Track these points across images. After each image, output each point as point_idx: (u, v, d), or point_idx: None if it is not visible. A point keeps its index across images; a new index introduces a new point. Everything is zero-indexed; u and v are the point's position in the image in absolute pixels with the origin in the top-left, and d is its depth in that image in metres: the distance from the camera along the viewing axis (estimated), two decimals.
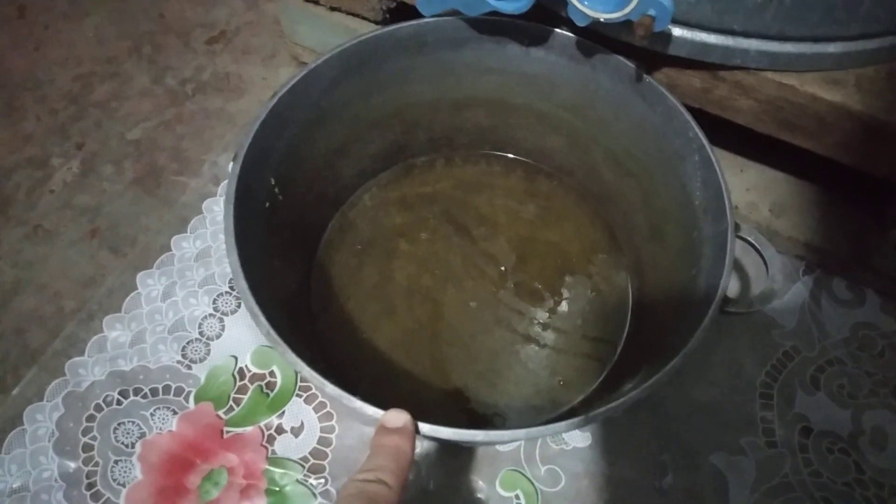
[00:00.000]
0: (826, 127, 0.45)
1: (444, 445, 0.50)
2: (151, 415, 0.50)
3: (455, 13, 0.48)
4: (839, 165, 0.49)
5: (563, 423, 0.35)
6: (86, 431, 0.50)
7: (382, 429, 0.34)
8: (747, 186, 0.57)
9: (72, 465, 0.49)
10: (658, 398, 0.51)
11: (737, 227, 0.41)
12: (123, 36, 0.71)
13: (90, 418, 0.50)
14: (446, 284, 0.54)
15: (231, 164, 0.42)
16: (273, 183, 0.47)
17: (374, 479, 0.31)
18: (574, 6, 0.41)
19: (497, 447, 0.49)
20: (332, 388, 0.35)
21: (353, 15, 0.59)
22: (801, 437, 0.50)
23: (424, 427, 0.34)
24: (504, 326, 0.52)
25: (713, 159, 0.43)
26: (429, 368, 0.50)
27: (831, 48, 0.43)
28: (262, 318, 0.37)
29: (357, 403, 0.35)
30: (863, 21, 0.41)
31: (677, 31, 0.44)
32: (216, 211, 0.59)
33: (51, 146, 0.63)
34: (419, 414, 0.35)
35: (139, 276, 0.56)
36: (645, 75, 0.46)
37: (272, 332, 0.37)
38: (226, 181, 0.59)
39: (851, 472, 0.49)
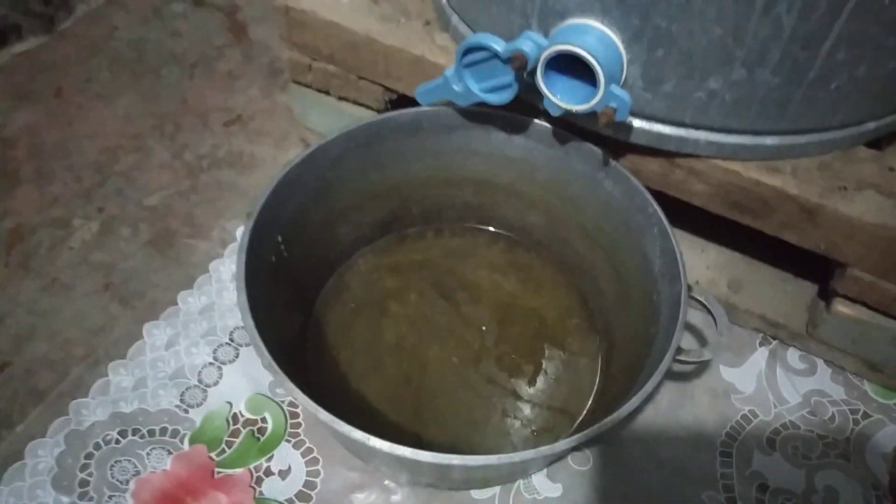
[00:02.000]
0: (769, 208, 0.52)
1: (421, 493, 0.52)
2: (147, 454, 0.53)
3: (448, 103, 0.55)
4: (788, 244, 0.55)
5: (531, 451, 0.39)
6: (83, 468, 0.52)
7: None
8: (707, 265, 0.63)
9: (66, 499, 0.51)
10: (627, 455, 0.54)
11: (689, 289, 0.47)
12: (149, 115, 0.78)
13: (89, 455, 0.53)
14: (431, 343, 0.58)
15: (242, 229, 0.48)
16: (280, 241, 0.52)
17: None
18: (549, 99, 0.48)
19: (472, 494, 0.52)
20: (324, 415, 0.39)
21: (358, 104, 0.67)
22: (758, 493, 0.53)
23: (406, 451, 0.38)
24: (483, 383, 0.56)
25: (669, 231, 0.49)
26: (412, 420, 0.54)
27: (769, 140, 0.50)
28: (265, 350, 0.42)
29: (344, 427, 0.39)
30: (792, 119, 0.49)
31: (637, 123, 0.51)
32: (221, 271, 0.64)
33: (74, 209, 0.69)
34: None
35: (146, 326, 0.60)
36: (611, 160, 0.53)
37: (273, 363, 0.41)
38: (232, 244, 0.66)
39: None
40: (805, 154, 0.52)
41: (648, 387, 0.42)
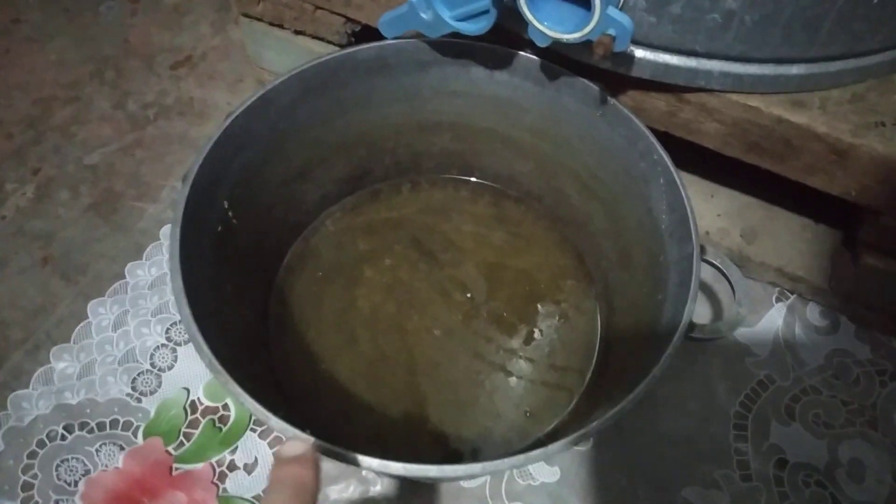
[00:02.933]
0: (793, 150, 0.45)
1: (404, 482, 0.47)
2: (97, 450, 0.48)
3: (417, 35, 0.47)
4: (810, 189, 0.48)
5: (521, 457, 0.33)
6: (26, 469, 0.47)
7: (280, 460, 0.30)
8: (718, 212, 0.56)
9: None
10: (629, 430, 0.49)
11: (703, 251, 0.40)
12: (87, 60, 0.69)
13: (32, 455, 0.47)
14: (411, 312, 0.52)
15: (181, 186, 0.41)
16: (226, 206, 0.45)
17: None
18: (534, 27, 0.40)
19: (461, 483, 0.47)
20: (276, 422, 0.33)
21: (318, 39, 0.58)
22: (776, 469, 0.48)
23: (374, 463, 0.32)
24: (470, 355, 0.50)
25: (678, 182, 0.42)
26: (392, 401, 0.48)
27: (794, 70, 0.43)
28: (205, 347, 0.35)
29: (303, 437, 0.33)
30: (823, 43, 0.41)
31: (640, 53, 0.43)
32: None
33: (5, 171, 0.61)
34: (382, 448, 0.33)
35: (90, 304, 0.54)
36: (610, 98, 0.45)
37: (214, 360, 0.35)
38: None
39: None
40: (836, 84, 0.44)
41: (657, 371, 0.35)
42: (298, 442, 0.31)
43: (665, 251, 0.43)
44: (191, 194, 0.41)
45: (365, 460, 0.32)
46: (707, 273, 0.54)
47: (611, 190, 0.49)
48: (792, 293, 0.55)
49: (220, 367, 0.35)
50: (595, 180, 0.50)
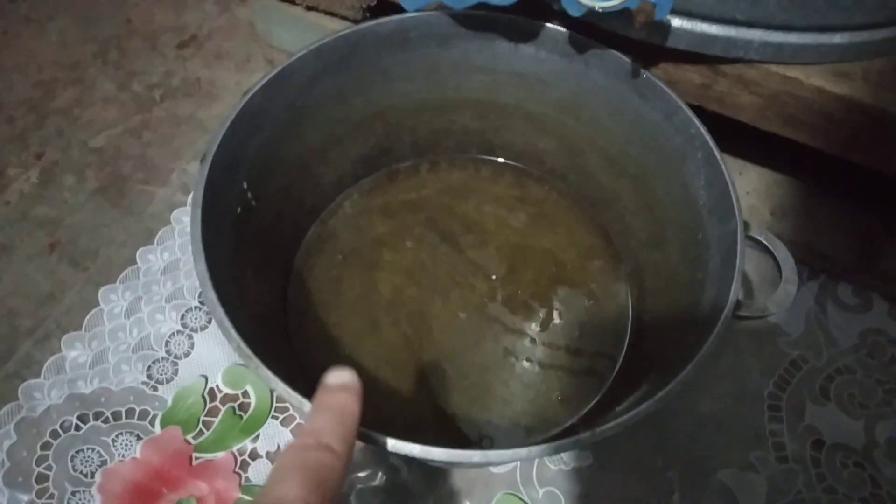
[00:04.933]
0: (833, 122, 0.43)
1: (433, 467, 0.46)
2: (113, 441, 0.46)
3: (440, 7, 0.45)
4: (842, 165, 0.46)
5: (567, 441, 0.32)
6: (40, 461, 0.45)
7: (324, 387, 0.30)
8: (747, 189, 0.54)
9: (24, 497, 0.44)
10: (663, 412, 0.48)
11: (746, 227, 0.39)
12: (88, 40, 0.67)
13: (45, 446, 0.46)
14: (433, 296, 0.50)
15: (200, 166, 0.39)
16: (245, 187, 0.43)
17: (315, 445, 0.26)
18: None
19: (491, 469, 0.46)
20: (310, 406, 0.32)
21: (332, 14, 0.56)
22: (812, 450, 0.47)
23: (416, 448, 0.31)
24: (495, 340, 0.48)
25: (718, 156, 0.40)
26: (415, 386, 0.47)
27: (837, 38, 0.41)
28: (233, 331, 0.34)
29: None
30: (870, 9, 0.39)
31: (676, 22, 0.41)
32: (185, 222, 0.55)
33: (7, 156, 0.59)
34: (406, 435, 0.31)
35: (101, 291, 0.52)
36: (642, 70, 0.44)
37: (243, 345, 0.33)
38: None
39: (868, 486, 0.46)
40: (880, 53, 0.43)
41: (706, 351, 0.34)
42: (343, 370, 0.30)
43: (704, 228, 0.41)
44: (210, 175, 0.39)
45: (405, 446, 0.31)
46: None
47: (642, 166, 0.47)
48: (823, 272, 0.54)
49: (249, 352, 0.33)
50: (625, 157, 0.48)
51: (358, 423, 0.28)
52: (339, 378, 0.30)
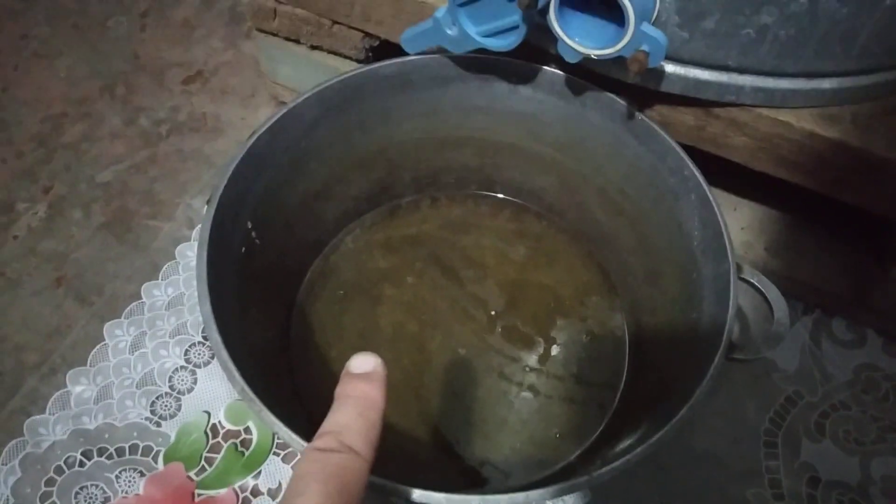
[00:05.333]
0: (824, 164, 0.44)
1: None
2: (117, 477, 0.46)
3: (440, 51, 0.46)
4: (834, 202, 0.47)
5: (565, 485, 0.32)
6: (44, 497, 0.46)
7: (347, 375, 0.28)
8: (741, 225, 0.55)
9: None
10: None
11: (739, 269, 0.39)
12: (96, 76, 0.68)
13: (49, 482, 0.46)
14: (434, 331, 0.51)
15: (205, 206, 0.40)
16: (250, 227, 0.44)
17: (337, 447, 0.24)
18: (564, 42, 0.40)
19: None
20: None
21: (335, 54, 0.58)
22: (808, 487, 0.47)
23: (416, 493, 0.31)
24: (496, 375, 0.49)
25: (711, 198, 0.41)
26: (417, 422, 0.47)
27: (826, 84, 0.42)
28: (237, 374, 0.34)
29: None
30: (857, 57, 0.40)
31: (670, 68, 0.43)
32: (190, 256, 0.56)
33: (16, 190, 0.60)
34: (407, 472, 0.32)
35: (107, 326, 0.52)
36: (637, 113, 0.45)
37: (247, 388, 0.34)
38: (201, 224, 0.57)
39: None
40: (868, 97, 0.44)
41: (699, 394, 0.35)
42: (369, 356, 0.29)
43: (698, 269, 0.42)
44: (216, 216, 0.40)
45: (406, 490, 0.32)
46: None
47: (638, 205, 0.48)
48: (817, 307, 0.55)
49: (253, 396, 0.34)
50: (621, 195, 0.49)
51: (382, 414, 0.27)
52: (363, 365, 0.28)
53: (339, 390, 0.27)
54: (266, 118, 0.44)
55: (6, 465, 0.47)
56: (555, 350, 0.50)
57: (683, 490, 0.47)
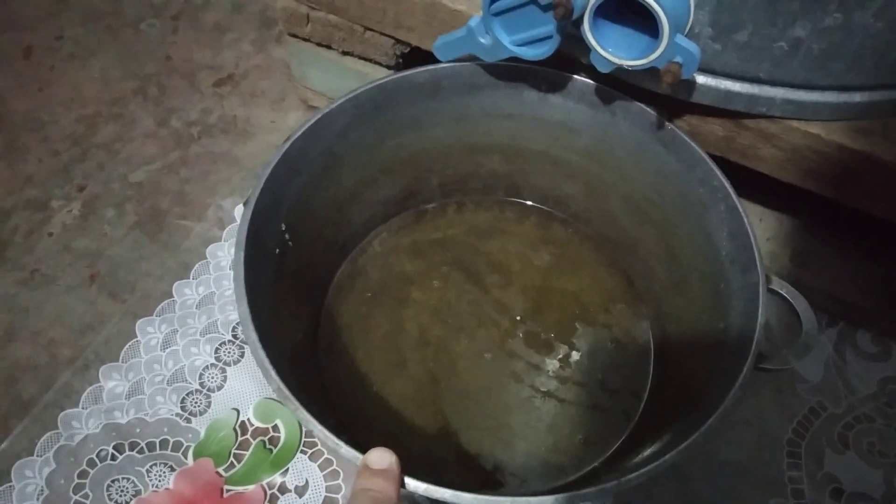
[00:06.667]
0: (853, 177, 0.44)
1: None
2: (147, 471, 0.47)
3: (472, 58, 0.47)
4: (862, 214, 0.47)
5: (592, 490, 0.33)
6: (77, 489, 0.47)
7: (365, 470, 0.31)
8: (767, 236, 0.55)
9: None
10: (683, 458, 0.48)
11: (767, 280, 0.40)
12: (129, 77, 0.70)
13: (82, 474, 0.47)
14: (459, 335, 0.52)
15: (242, 209, 0.41)
16: (283, 229, 0.45)
17: None
18: (598, 53, 0.40)
19: None
20: (346, 450, 0.33)
21: (366, 60, 0.59)
22: (832, 499, 0.47)
23: (447, 493, 0.32)
24: (520, 380, 0.50)
25: (740, 209, 0.42)
26: (441, 425, 0.48)
27: (858, 97, 0.42)
28: (273, 374, 0.35)
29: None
30: (891, 70, 0.41)
31: (701, 79, 0.43)
32: (220, 256, 0.57)
33: (51, 188, 0.62)
34: (431, 475, 0.32)
35: (139, 323, 0.54)
36: (666, 122, 0.45)
37: (283, 387, 0.35)
38: (231, 225, 0.58)
39: None
40: None
41: (728, 403, 0.35)
42: (385, 453, 0.31)
43: (727, 279, 0.42)
44: (252, 219, 0.41)
45: (436, 491, 0.32)
46: None
47: (665, 214, 0.49)
48: (842, 319, 0.55)
49: (289, 394, 0.35)
50: (648, 204, 0.50)
51: None
52: (380, 462, 0.31)
53: (358, 485, 0.30)
54: (300, 123, 0.45)
55: (41, 456, 0.48)
56: (579, 356, 0.51)
57: (705, 499, 0.47)
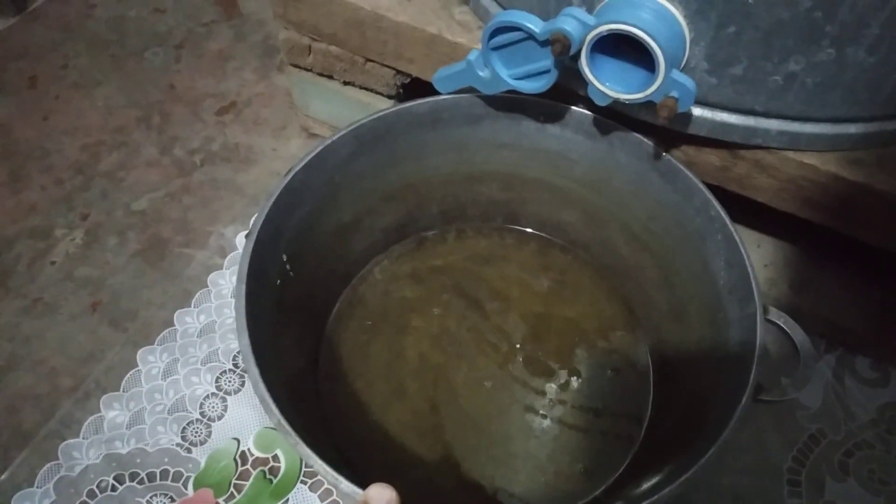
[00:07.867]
0: (848, 206, 0.45)
1: None
2: (148, 502, 0.47)
3: (471, 90, 0.47)
4: (859, 241, 0.48)
5: None
6: None
7: None
8: (765, 262, 0.56)
9: None
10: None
11: (765, 311, 0.40)
12: (133, 105, 0.71)
13: None
14: (459, 362, 0.52)
15: (243, 237, 0.41)
16: (285, 259, 0.45)
17: None
18: (595, 86, 0.41)
19: None
20: (346, 485, 0.33)
21: (367, 90, 0.59)
22: None
23: None
24: (521, 407, 0.50)
25: (738, 240, 0.42)
26: (442, 453, 0.48)
27: (853, 129, 0.43)
28: (274, 408, 0.35)
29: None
30: (884, 103, 0.41)
31: (697, 111, 0.44)
32: (222, 284, 0.58)
33: (55, 216, 0.62)
34: (431, 503, 0.32)
35: (140, 352, 0.54)
36: (663, 153, 0.46)
37: (284, 422, 0.35)
38: (233, 253, 0.59)
39: None
40: (894, 142, 0.44)
41: (727, 435, 0.35)
42: (385, 489, 0.31)
43: (724, 309, 0.43)
44: (254, 251, 0.41)
45: None
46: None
47: (663, 243, 0.49)
48: (841, 345, 0.55)
49: (289, 429, 0.35)
50: (646, 232, 0.50)
51: None
52: (379, 498, 0.31)
53: None
54: (303, 153, 0.45)
55: (41, 487, 0.48)
56: (579, 383, 0.51)
57: None
